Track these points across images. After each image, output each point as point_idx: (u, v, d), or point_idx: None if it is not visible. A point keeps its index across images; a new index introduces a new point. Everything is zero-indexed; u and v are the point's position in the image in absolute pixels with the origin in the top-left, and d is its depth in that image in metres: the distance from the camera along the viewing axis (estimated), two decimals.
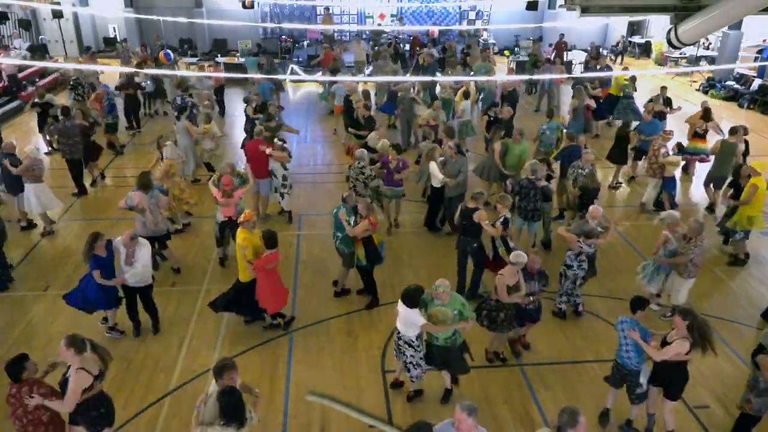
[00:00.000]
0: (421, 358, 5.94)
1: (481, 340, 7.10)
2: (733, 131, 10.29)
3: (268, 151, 9.51)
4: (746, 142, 10.61)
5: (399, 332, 5.93)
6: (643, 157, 11.32)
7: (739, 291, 8.43)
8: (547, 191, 8.63)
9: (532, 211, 8.59)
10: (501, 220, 7.51)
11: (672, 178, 10.16)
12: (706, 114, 11.35)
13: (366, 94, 13.12)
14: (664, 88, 13.48)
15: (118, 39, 22.96)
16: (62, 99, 14.73)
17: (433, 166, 9.35)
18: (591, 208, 7.53)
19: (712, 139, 11.33)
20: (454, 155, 9.23)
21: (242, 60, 19.67)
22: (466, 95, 13.10)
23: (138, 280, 6.88)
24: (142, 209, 7.86)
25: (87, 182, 11.42)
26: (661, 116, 12.51)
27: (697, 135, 11.44)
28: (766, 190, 8.54)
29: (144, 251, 6.86)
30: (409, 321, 5.74)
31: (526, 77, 15.66)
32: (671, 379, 5.49)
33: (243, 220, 7.00)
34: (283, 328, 7.31)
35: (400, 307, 5.76)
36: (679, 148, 11.05)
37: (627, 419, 5.94)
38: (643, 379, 5.62)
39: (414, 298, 5.66)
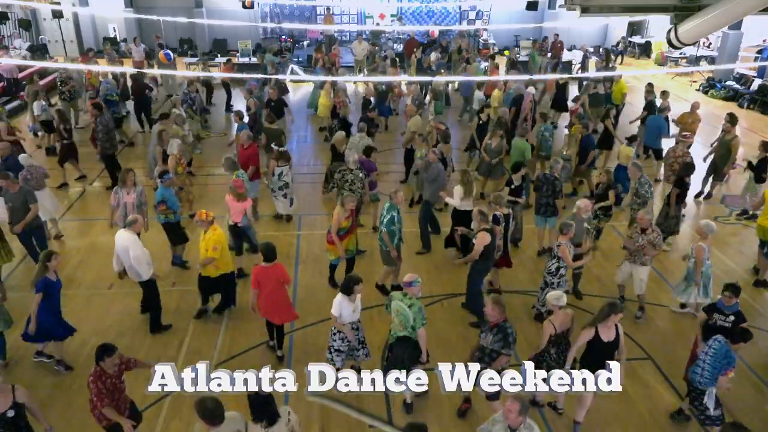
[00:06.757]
0: None
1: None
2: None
3: None
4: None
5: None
6: None
7: None
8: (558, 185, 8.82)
9: (544, 206, 8.83)
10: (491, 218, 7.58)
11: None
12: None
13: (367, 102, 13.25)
14: (664, 93, 12.60)
15: (119, 39, 22.98)
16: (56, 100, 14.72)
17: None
18: (580, 202, 7.70)
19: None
20: (435, 160, 9.17)
21: (243, 59, 19.75)
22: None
23: None
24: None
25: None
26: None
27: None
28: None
29: None
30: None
31: (525, 77, 15.66)
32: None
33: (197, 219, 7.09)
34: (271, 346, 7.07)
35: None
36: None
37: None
38: (710, 403, 5.49)
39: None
